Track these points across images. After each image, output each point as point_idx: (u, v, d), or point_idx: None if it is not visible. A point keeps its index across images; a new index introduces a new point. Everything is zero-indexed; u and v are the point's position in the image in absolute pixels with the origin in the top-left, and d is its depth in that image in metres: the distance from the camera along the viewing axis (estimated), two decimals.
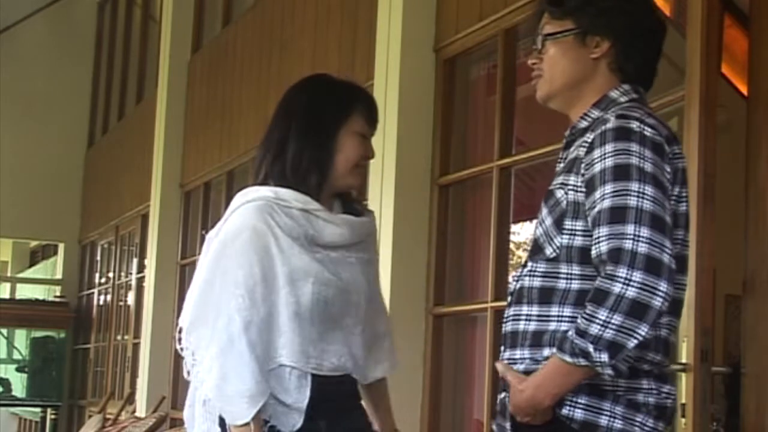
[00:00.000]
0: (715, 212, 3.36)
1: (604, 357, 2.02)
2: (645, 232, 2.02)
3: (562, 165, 2.29)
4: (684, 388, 3.34)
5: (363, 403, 2.72)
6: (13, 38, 12.64)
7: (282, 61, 7.37)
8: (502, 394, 2.27)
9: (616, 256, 2.03)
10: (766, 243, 3.42)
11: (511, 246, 5.04)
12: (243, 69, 8.23)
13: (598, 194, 2.09)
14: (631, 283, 2.00)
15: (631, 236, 2.02)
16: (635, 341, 2.02)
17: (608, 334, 2.01)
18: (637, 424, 2.12)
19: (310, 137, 2.55)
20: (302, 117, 2.57)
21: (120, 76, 12.67)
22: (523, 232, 5.29)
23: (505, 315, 2.29)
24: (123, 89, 12.49)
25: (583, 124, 2.27)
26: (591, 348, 2.02)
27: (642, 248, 2.01)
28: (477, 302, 5.09)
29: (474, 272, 5.28)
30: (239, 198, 2.56)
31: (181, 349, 2.52)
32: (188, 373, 2.52)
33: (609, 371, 2.04)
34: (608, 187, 2.07)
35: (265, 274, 2.46)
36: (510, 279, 2.37)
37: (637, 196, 2.05)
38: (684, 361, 3.33)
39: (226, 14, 9.04)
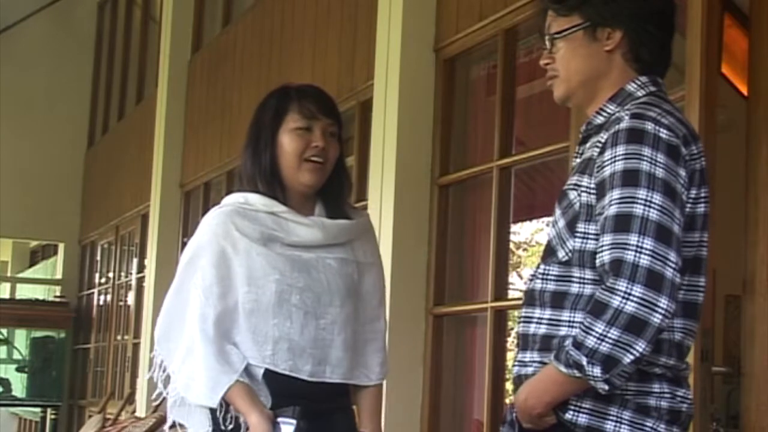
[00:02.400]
0: (715, 212, 3.35)
1: (597, 371, 1.97)
2: (649, 243, 1.96)
3: (578, 161, 2.21)
4: None
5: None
6: (13, 38, 12.62)
7: (282, 61, 7.37)
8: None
9: (617, 267, 1.97)
10: (766, 243, 3.42)
11: (511, 246, 5.04)
12: (243, 69, 8.23)
13: (606, 199, 2.03)
14: (631, 298, 1.95)
15: (634, 247, 1.96)
16: (632, 357, 1.96)
17: (604, 348, 1.96)
18: (647, 429, 2.06)
19: (251, 148, 2.69)
20: (248, 133, 2.72)
21: (120, 76, 12.67)
22: (523, 232, 5.29)
23: (518, 315, 2.25)
24: (123, 89, 12.48)
25: (599, 119, 2.19)
26: (585, 361, 1.97)
27: (644, 261, 1.95)
28: (477, 302, 5.08)
29: (474, 272, 5.27)
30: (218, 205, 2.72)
31: (152, 357, 2.65)
32: (156, 378, 2.64)
33: (603, 385, 1.99)
34: (616, 193, 2.01)
35: (221, 276, 2.57)
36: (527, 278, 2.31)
37: (644, 205, 1.98)
38: None
39: (226, 14, 9.04)
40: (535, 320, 2.15)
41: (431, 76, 5.34)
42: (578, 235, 2.10)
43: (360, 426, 2.72)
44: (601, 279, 2.04)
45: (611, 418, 2.05)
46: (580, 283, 2.09)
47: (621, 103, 2.18)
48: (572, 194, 2.13)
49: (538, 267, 2.21)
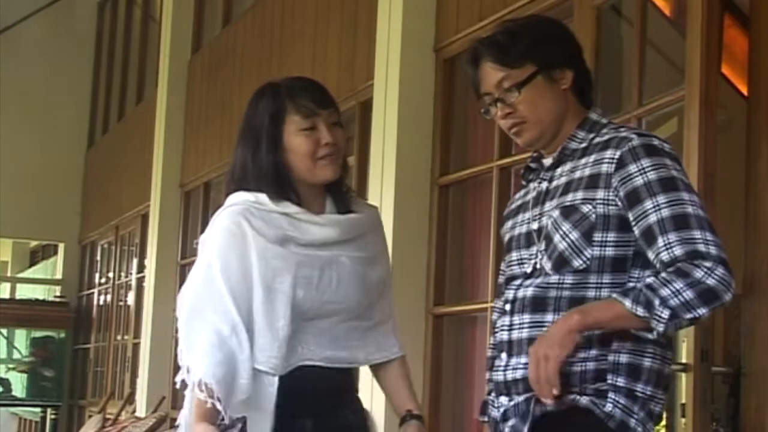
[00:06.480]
0: (715, 212, 3.36)
1: (666, 314, 2.13)
2: (710, 236, 2.18)
3: (562, 180, 2.33)
4: (684, 388, 3.34)
5: (385, 392, 2.74)
6: (13, 38, 12.62)
7: (282, 61, 7.37)
8: (507, 400, 2.32)
9: (695, 256, 2.16)
10: (766, 243, 3.42)
11: None
12: (243, 69, 8.23)
13: (649, 205, 2.21)
14: (713, 275, 2.14)
15: (702, 240, 2.17)
16: (692, 316, 2.14)
17: (674, 301, 2.13)
18: (648, 430, 2.26)
19: (251, 152, 2.62)
20: (243, 136, 2.66)
21: (120, 76, 12.67)
22: None
23: (516, 322, 2.33)
24: (123, 89, 12.48)
25: (574, 144, 2.36)
26: (657, 302, 2.13)
27: (713, 250, 2.16)
28: (477, 302, 5.09)
29: (474, 272, 5.28)
30: (225, 204, 2.66)
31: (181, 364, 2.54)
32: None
33: (661, 329, 2.15)
34: (661, 198, 2.20)
35: (244, 276, 2.51)
36: (512, 287, 2.39)
37: (692, 205, 2.20)
38: (684, 361, 3.33)
39: (226, 14, 9.05)
40: (548, 326, 2.24)
41: (431, 76, 5.34)
42: (596, 243, 2.26)
43: (396, 404, 2.73)
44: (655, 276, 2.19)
45: (634, 416, 2.24)
46: (596, 288, 2.26)
47: (590, 129, 2.37)
48: (586, 208, 2.27)
49: (528, 276, 2.33)
